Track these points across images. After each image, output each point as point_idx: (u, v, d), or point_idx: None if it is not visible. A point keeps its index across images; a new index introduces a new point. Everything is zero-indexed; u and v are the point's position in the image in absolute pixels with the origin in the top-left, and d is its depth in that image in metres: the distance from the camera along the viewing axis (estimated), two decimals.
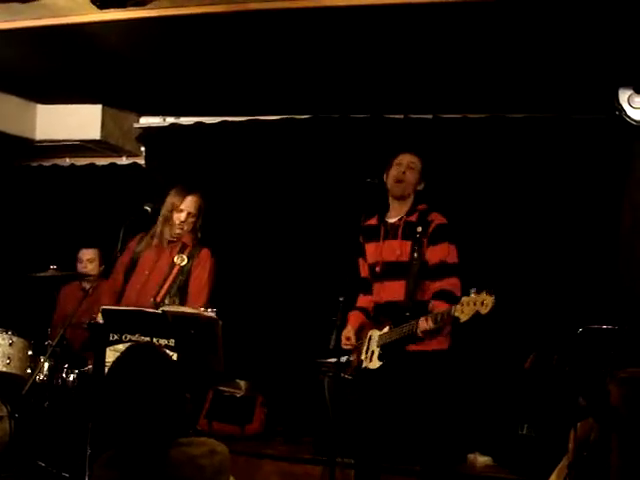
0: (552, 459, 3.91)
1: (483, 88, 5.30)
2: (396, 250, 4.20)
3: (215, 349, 3.90)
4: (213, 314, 4.13)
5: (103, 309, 4.04)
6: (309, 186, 6.10)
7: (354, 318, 4.43)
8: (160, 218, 4.67)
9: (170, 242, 4.69)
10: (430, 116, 5.88)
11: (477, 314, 3.65)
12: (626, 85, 4.51)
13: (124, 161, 6.88)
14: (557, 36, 4.29)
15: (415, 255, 4.10)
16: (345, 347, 4.33)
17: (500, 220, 5.63)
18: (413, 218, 4.21)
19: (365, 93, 5.62)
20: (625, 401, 3.44)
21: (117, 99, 6.28)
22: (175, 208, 4.64)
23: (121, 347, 3.86)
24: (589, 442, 3.69)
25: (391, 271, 4.21)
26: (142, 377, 2.09)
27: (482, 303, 3.65)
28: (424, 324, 3.89)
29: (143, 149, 6.78)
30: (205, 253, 4.70)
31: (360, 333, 4.35)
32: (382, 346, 4.11)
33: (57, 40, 4.84)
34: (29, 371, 4.74)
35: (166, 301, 4.53)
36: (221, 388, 5.66)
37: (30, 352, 4.85)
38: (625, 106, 4.49)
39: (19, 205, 6.91)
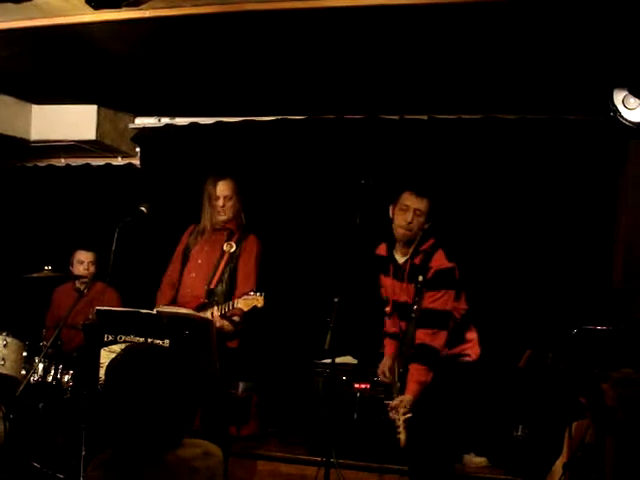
0: (547, 460, 3.92)
1: (478, 89, 5.31)
2: (403, 294, 4.21)
3: (209, 350, 3.90)
4: (261, 297, 4.33)
5: (97, 310, 4.04)
6: (304, 187, 6.10)
7: (389, 347, 4.50)
8: (203, 210, 4.82)
9: (217, 230, 4.80)
10: (425, 117, 5.88)
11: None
12: (621, 86, 4.51)
13: (119, 161, 6.87)
14: (551, 37, 4.29)
15: (417, 300, 4.04)
16: (382, 380, 4.54)
17: (495, 221, 5.64)
18: (417, 261, 4.12)
19: (360, 94, 5.62)
20: (619, 402, 3.45)
21: (112, 99, 6.27)
22: (212, 197, 4.77)
23: (116, 348, 3.87)
24: (584, 443, 3.70)
25: (400, 312, 4.27)
26: (143, 379, 2.07)
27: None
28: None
29: (138, 150, 6.78)
30: (252, 239, 4.84)
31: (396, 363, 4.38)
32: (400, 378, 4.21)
33: (52, 40, 4.82)
34: (24, 372, 4.73)
35: (219, 287, 4.67)
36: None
37: (25, 353, 4.84)
38: (620, 107, 4.49)
39: (14, 205, 6.89)
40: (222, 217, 4.78)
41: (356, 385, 5.21)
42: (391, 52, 4.77)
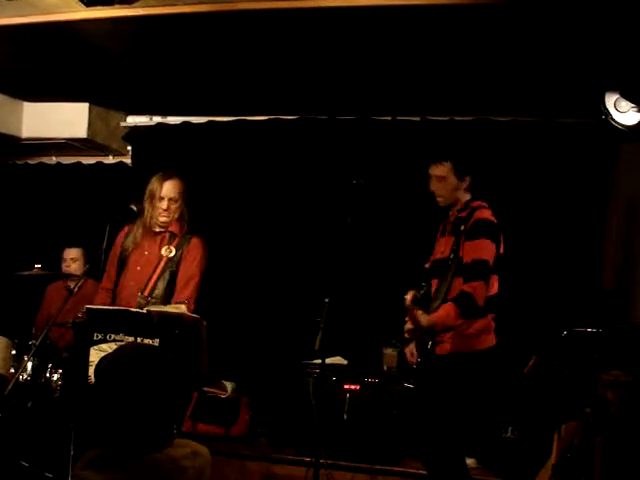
0: (536, 461, 3.92)
1: (470, 91, 5.32)
2: (442, 247, 4.16)
3: (200, 350, 3.88)
4: (184, 306, 4.12)
5: (87, 308, 4.00)
6: (296, 187, 6.09)
7: None
8: (143, 210, 4.55)
9: (158, 233, 4.62)
10: (418, 118, 5.89)
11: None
12: (612, 89, 4.52)
13: (110, 160, 6.86)
14: (544, 40, 4.30)
15: (454, 248, 3.99)
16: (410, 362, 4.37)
17: None
18: (464, 214, 4.11)
19: (353, 95, 5.62)
20: (613, 404, 3.45)
21: (104, 98, 6.26)
22: (155, 198, 4.54)
23: (105, 347, 3.85)
24: (573, 444, 3.70)
25: (435, 270, 4.18)
26: (132, 378, 2.06)
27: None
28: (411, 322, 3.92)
29: (130, 148, 6.76)
30: (195, 243, 4.58)
31: None
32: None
33: (44, 37, 4.81)
34: (12, 371, 4.70)
35: (155, 294, 4.49)
36: (206, 389, 5.64)
37: (14, 352, 4.81)
38: (611, 110, 4.50)
39: (4, 203, 6.87)
40: (163, 219, 4.53)
41: (346, 386, 5.20)
42: (384, 53, 4.78)
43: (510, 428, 5.06)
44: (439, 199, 4.17)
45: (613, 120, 4.49)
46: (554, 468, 3.71)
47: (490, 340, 4.07)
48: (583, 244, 5.44)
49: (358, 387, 5.19)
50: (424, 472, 4.94)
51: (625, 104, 4.48)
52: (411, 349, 4.26)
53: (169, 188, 4.53)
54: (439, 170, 4.13)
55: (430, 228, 5.66)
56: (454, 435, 4.01)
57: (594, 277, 5.38)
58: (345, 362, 5.48)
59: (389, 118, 5.95)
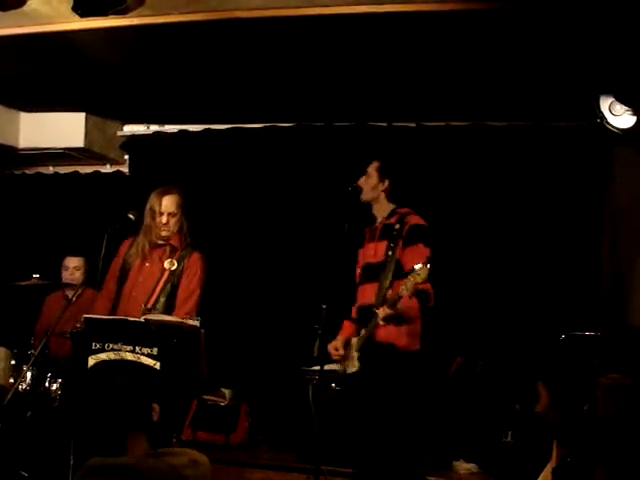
0: (536, 466, 3.92)
1: (466, 96, 5.33)
2: (371, 251, 4.29)
3: (198, 358, 3.88)
4: (197, 323, 4.12)
5: (86, 318, 4.00)
6: (293, 194, 6.10)
7: (346, 328, 4.49)
8: (144, 226, 4.62)
9: (159, 246, 4.67)
10: (413, 124, 5.90)
11: (416, 286, 3.76)
12: (607, 93, 4.54)
13: (108, 169, 6.86)
14: (539, 45, 4.31)
15: (389, 254, 4.16)
16: (334, 358, 4.40)
17: (483, 226, 5.66)
18: (393, 220, 4.29)
19: (349, 101, 5.63)
20: (609, 407, 3.46)
21: (101, 107, 6.27)
22: (155, 213, 4.60)
23: (104, 356, 3.85)
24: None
25: (368, 274, 4.27)
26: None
27: (418, 274, 3.75)
28: (382, 311, 3.94)
29: (127, 157, 6.76)
30: (196, 257, 4.64)
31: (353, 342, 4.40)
32: (360, 349, 4.19)
33: (39, 48, 4.82)
34: (12, 381, 4.70)
35: (157, 306, 4.51)
36: (205, 397, 5.64)
37: (13, 362, 4.81)
38: (606, 113, 4.51)
39: (2, 213, 6.87)
40: (164, 233, 4.58)
41: None
42: (379, 59, 4.79)
43: (510, 432, 5.05)
44: (361, 194, 4.39)
45: (608, 123, 4.50)
46: (554, 472, 3.71)
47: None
48: (580, 247, 5.45)
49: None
50: (426, 477, 4.99)
51: (620, 107, 4.49)
52: (335, 345, 4.36)
53: (167, 204, 4.61)
54: (369, 167, 4.41)
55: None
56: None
57: (591, 280, 5.39)
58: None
59: (385, 124, 5.96)
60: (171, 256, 4.61)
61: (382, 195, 4.37)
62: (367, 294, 4.23)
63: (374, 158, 4.44)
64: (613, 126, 4.55)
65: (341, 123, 6.05)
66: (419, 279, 3.75)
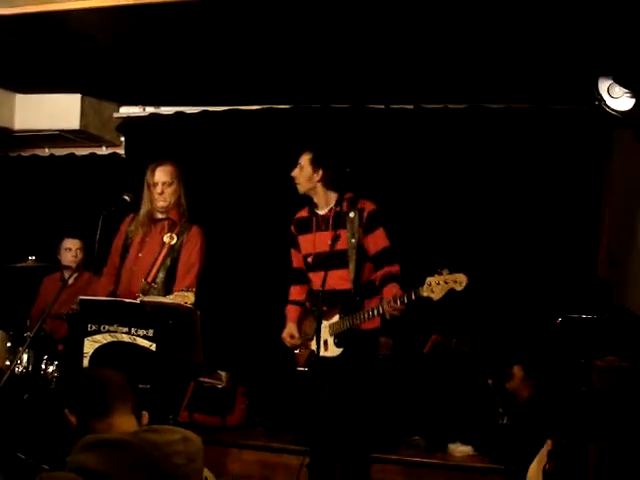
0: (532, 448, 3.93)
1: (464, 78, 5.30)
2: (327, 241, 4.32)
3: (194, 339, 3.88)
4: (190, 296, 4.15)
5: (81, 299, 4.01)
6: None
7: (293, 313, 4.61)
8: (143, 198, 4.67)
9: (158, 220, 4.68)
10: (411, 106, 5.87)
11: (451, 291, 3.84)
12: (606, 75, 4.51)
13: (104, 151, 6.83)
14: (537, 26, 4.28)
15: (352, 241, 4.27)
16: (291, 345, 4.52)
17: (480, 209, 5.65)
18: (342, 207, 4.37)
19: (346, 83, 5.60)
20: (606, 389, 3.46)
21: (96, 88, 6.22)
22: (150, 184, 4.65)
23: (99, 337, 3.85)
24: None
25: (325, 261, 4.30)
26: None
27: (455, 281, 3.84)
28: (389, 309, 4.03)
29: (123, 139, 6.74)
30: (195, 231, 4.69)
31: (301, 327, 4.54)
32: (339, 334, 4.27)
33: (35, 28, 4.78)
34: (8, 363, 4.70)
35: (157, 281, 4.54)
36: (202, 379, 5.64)
37: (9, 344, 4.82)
38: (605, 96, 4.48)
39: None
40: (161, 203, 4.64)
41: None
42: (377, 41, 4.76)
43: (506, 415, 5.06)
44: (297, 186, 4.51)
45: (606, 106, 4.47)
46: (550, 454, 3.71)
47: None
48: (577, 231, 5.45)
49: None
50: (420, 460, 5.01)
51: (618, 90, 4.46)
52: (290, 332, 4.50)
53: (161, 173, 4.66)
54: (302, 158, 4.49)
55: (422, 216, 5.72)
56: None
57: (589, 264, 5.38)
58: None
59: (383, 106, 5.93)
60: (170, 230, 4.65)
61: (319, 185, 4.45)
62: (328, 280, 4.21)
63: (308, 148, 4.51)
64: (612, 108, 4.52)
65: (338, 105, 6.01)
66: (458, 287, 3.85)
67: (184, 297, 4.18)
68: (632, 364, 3.53)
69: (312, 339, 4.32)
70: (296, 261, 4.66)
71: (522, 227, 5.54)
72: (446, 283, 3.87)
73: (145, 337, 3.80)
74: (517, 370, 2.54)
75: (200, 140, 6.31)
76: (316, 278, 4.40)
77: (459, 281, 3.86)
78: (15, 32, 4.86)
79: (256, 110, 6.21)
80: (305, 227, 4.56)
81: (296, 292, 4.69)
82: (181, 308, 3.91)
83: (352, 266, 4.30)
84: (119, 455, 1.93)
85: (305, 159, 4.48)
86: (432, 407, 5.45)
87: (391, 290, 4.20)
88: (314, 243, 4.46)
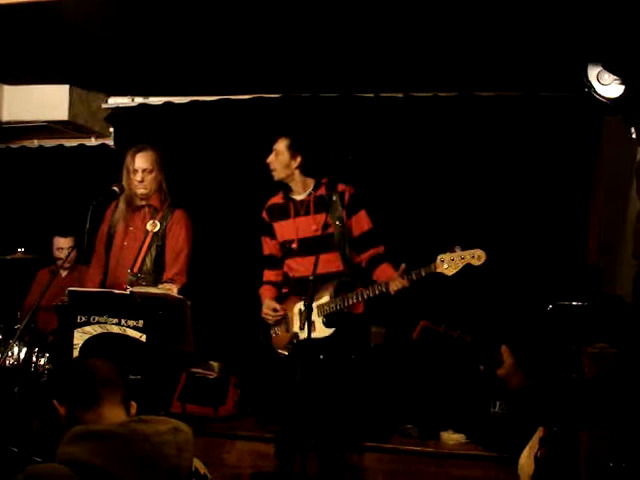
0: (524, 435, 3.95)
1: (454, 66, 5.29)
2: (312, 225, 4.35)
3: (184, 330, 3.87)
4: (174, 286, 4.13)
5: (70, 291, 3.99)
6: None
7: (269, 292, 4.60)
8: (124, 186, 4.60)
9: (140, 208, 4.63)
10: (401, 94, 5.86)
11: (468, 266, 3.90)
12: (595, 61, 4.50)
13: (93, 142, 6.79)
14: (526, 13, 4.27)
15: (338, 224, 4.30)
16: (274, 319, 4.47)
17: (471, 197, 5.64)
18: (322, 191, 4.40)
19: (336, 72, 5.58)
20: (596, 376, 3.47)
21: (84, 79, 6.18)
22: (130, 170, 4.59)
23: (89, 329, 3.84)
24: None
25: (311, 246, 4.32)
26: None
27: (473, 256, 3.90)
28: (397, 284, 4.04)
29: (112, 130, 6.70)
30: (179, 215, 4.64)
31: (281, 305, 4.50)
32: (328, 315, 4.26)
33: (22, 18, 4.74)
34: None
35: (144, 270, 4.50)
36: (194, 370, 5.64)
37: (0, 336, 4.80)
38: (594, 83, 4.46)
39: None
40: (140, 191, 4.59)
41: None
42: (367, 29, 4.74)
43: (498, 403, 5.08)
44: (273, 173, 4.48)
45: (596, 93, 4.45)
46: (542, 441, 3.73)
47: None
48: (567, 218, 5.45)
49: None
50: (413, 448, 5.02)
51: (608, 76, 4.44)
52: (273, 306, 4.48)
53: (141, 160, 4.60)
54: (277, 145, 4.48)
55: (413, 203, 5.72)
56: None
57: (579, 251, 5.40)
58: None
59: (372, 95, 5.92)
60: (153, 217, 4.60)
61: (297, 172, 4.44)
62: (315, 265, 4.21)
63: (286, 134, 4.51)
64: (601, 95, 4.50)
65: (327, 94, 5.99)
66: (476, 262, 3.90)
67: (167, 290, 4.16)
68: (622, 350, 3.54)
69: (293, 320, 4.36)
70: (268, 248, 4.62)
71: (512, 215, 5.55)
72: (462, 258, 3.92)
73: (135, 328, 3.79)
74: (507, 356, 2.53)
75: (189, 130, 6.28)
76: (302, 263, 4.39)
77: (477, 255, 3.91)
78: (2, 23, 4.82)
79: (245, 100, 6.18)
80: (281, 213, 4.52)
81: (271, 274, 4.65)
82: (171, 298, 3.90)
83: (342, 248, 4.32)
84: (108, 446, 1.92)
85: (282, 145, 4.45)
86: (424, 395, 5.45)
87: (385, 270, 4.26)
88: (296, 229, 4.43)
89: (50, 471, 1.90)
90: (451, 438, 5.19)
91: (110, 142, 6.72)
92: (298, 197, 4.47)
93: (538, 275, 5.28)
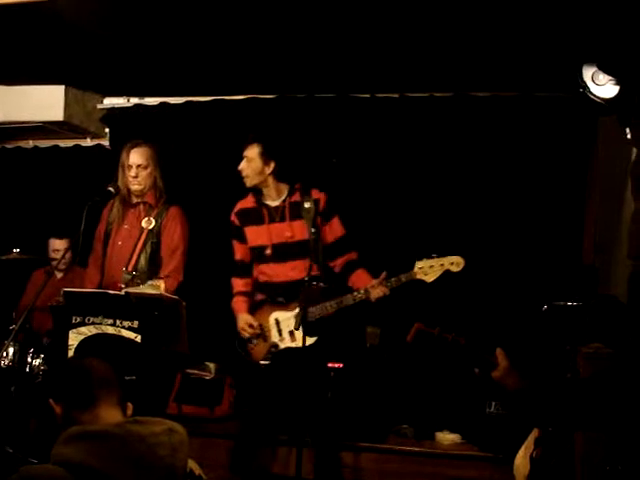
0: (520, 435, 3.95)
1: (449, 66, 5.29)
2: (286, 232, 4.36)
3: (179, 330, 3.87)
4: (161, 282, 4.13)
5: (65, 291, 3.99)
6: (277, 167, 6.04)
7: (243, 304, 4.54)
8: (119, 183, 4.61)
9: (135, 205, 4.62)
10: (396, 95, 5.86)
11: (447, 272, 4.02)
12: (590, 62, 4.51)
13: (88, 143, 6.78)
14: (521, 13, 4.28)
15: (313, 230, 4.27)
16: (250, 335, 4.44)
17: (466, 197, 5.65)
18: (296, 197, 4.39)
19: (331, 72, 5.58)
20: (591, 376, 3.47)
21: (80, 79, 6.17)
22: (125, 166, 4.58)
23: (84, 330, 3.83)
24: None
25: (286, 252, 4.35)
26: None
27: (452, 263, 4.02)
28: (378, 292, 4.10)
29: (107, 130, 6.69)
30: (174, 212, 4.63)
31: (255, 317, 4.47)
32: (310, 323, 4.20)
33: (17, 18, 4.73)
34: None
35: (138, 268, 4.48)
36: (189, 371, 5.63)
37: None
38: (589, 83, 4.47)
39: None
40: (135, 187, 4.58)
41: (330, 364, 5.20)
42: (362, 29, 4.74)
43: (493, 403, 5.08)
44: (245, 179, 4.44)
45: (591, 93, 4.46)
46: (537, 442, 3.73)
47: None
48: (563, 219, 5.46)
49: (342, 365, 5.19)
50: (409, 449, 5.02)
51: (603, 77, 4.45)
52: (249, 321, 4.43)
53: (135, 156, 4.60)
54: (248, 152, 4.42)
55: (409, 204, 5.72)
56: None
57: (574, 251, 5.40)
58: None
59: (368, 95, 5.91)
60: (148, 214, 4.58)
61: (270, 178, 4.42)
62: (289, 271, 4.33)
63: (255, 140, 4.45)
64: (596, 96, 4.51)
65: (323, 94, 5.99)
66: (455, 268, 4.03)
67: (154, 287, 4.16)
68: (617, 351, 3.54)
69: (270, 331, 4.36)
70: (239, 253, 4.59)
71: (507, 215, 5.55)
72: (441, 265, 3.98)
73: (130, 329, 3.79)
74: (501, 358, 2.54)
75: (185, 130, 6.27)
76: (275, 269, 4.40)
77: (455, 262, 4.03)
78: None
79: (241, 100, 6.18)
80: (254, 218, 4.48)
81: (241, 284, 4.61)
82: (166, 299, 3.89)
83: (317, 254, 4.31)
84: (103, 447, 1.92)
85: (253, 152, 4.41)
86: (420, 396, 5.45)
87: (361, 275, 4.32)
88: (269, 235, 4.41)
89: (44, 472, 1.90)
90: (446, 438, 5.19)
91: (106, 143, 6.71)
92: (272, 203, 4.45)
93: (533, 275, 5.28)
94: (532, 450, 3.73)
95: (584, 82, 4.47)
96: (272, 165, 4.38)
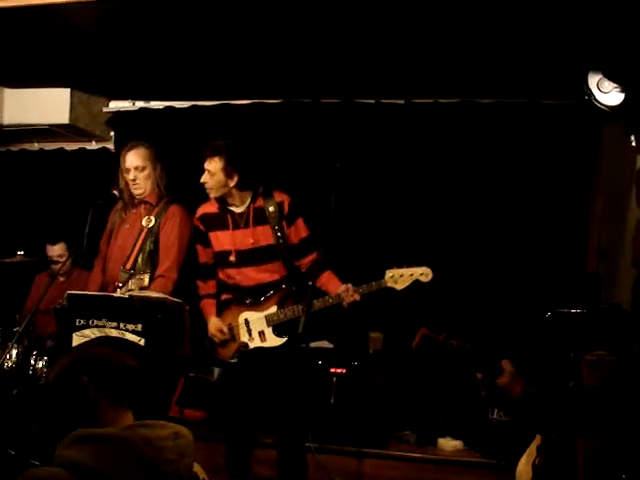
0: (522, 442, 3.94)
1: (455, 73, 5.30)
2: (249, 238, 4.35)
3: (183, 334, 3.87)
4: (146, 276, 4.14)
5: (69, 294, 3.98)
6: (280, 170, 6.05)
7: (211, 307, 4.53)
8: (121, 187, 4.61)
9: (137, 205, 4.62)
10: (402, 101, 5.86)
11: (416, 282, 4.14)
12: (595, 69, 4.51)
13: (94, 146, 6.79)
14: (527, 20, 4.28)
15: (279, 235, 4.34)
16: (221, 339, 4.43)
17: (471, 204, 5.65)
18: (260, 203, 4.40)
19: (337, 78, 5.58)
20: (595, 384, 3.47)
21: (86, 83, 6.19)
22: (123, 170, 4.58)
23: (88, 332, 3.83)
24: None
25: (251, 257, 4.35)
26: None
27: (421, 274, 4.15)
28: (350, 298, 4.19)
29: (112, 134, 6.70)
30: (173, 210, 4.60)
31: (223, 317, 4.48)
32: (279, 325, 4.33)
33: (24, 21, 4.75)
34: None
35: (136, 267, 4.49)
36: (192, 374, 5.63)
37: None
38: (594, 91, 4.47)
39: None
40: (137, 191, 4.57)
41: (332, 369, 5.20)
42: (368, 35, 4.75)
43: (496, 410, 5.07)
44: (209, 191, 4.41)
45: (596, 101, 4.46)
46: (539, 449, 3.72)
47: None
48: (567, 226, 5.46)
49: (345, 371, 5.19)
50: (411, 455, 5.02)
51: (608, 84, 4.45)
52: (219, 327, 4.42)
53: (132, 157, 4.59)
54: (210, 165, 4.38)
55: (414, 210, 5.72)
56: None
57: (578, 259, 5.40)
58: (331, 346, 5.47)
59: (373, 101, 5.92)
60: (148, 213, 4.57)
61: (234, 189, 4.39)
62: (257, 275, 4.36)
63: (217, 152, 4.41)
64: (601, 103, 4.51)
65: (328, 100, 6.00)
66: (424, 279, 4.13)
67: (139, 282, 4.20)
68: (621, 358, 3.54)
69: (239, 331, 4.39)
70: (203, 257, 4.56)
71: (512, 222, 5.55)
72: (411, 275, 4.12)
73: (134, 332, 3.78)
74: (507, 365, 2.53)
75: (190, 134, 6.27)
76: (240, 273, 4.40)
77: (425, 273, 4.15)
78: (3, 25, 4.83)
79: (246, 105, 6.18)
80: (218, 223, 4.45)
81: (207, 286, 4.59)
82: (170, 303, 3.89)
83: (283, 257, 4.39)
84: (108, 450, 1.92)
85: (215, 166, 4.35)
86: (422, 402, 5.44)
87: (330, 279, 4.34)
88: (233, 240, 4.40)
89: (49, 475, 1.89)
90: (449, 444, 5.19)
91: (111, 146, 6.71)
92: (237, 210, 4.43)
93: (537, 282, 5.28)
94: (535, 457, 3.72)
95: (589, 89, 4.47)
96: (235, 179, 4.34)
